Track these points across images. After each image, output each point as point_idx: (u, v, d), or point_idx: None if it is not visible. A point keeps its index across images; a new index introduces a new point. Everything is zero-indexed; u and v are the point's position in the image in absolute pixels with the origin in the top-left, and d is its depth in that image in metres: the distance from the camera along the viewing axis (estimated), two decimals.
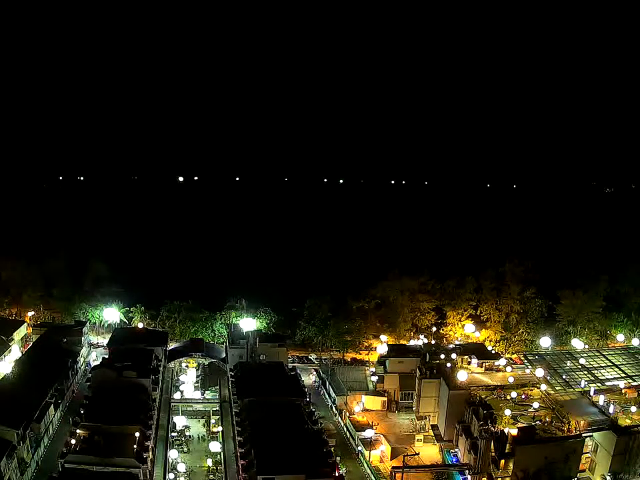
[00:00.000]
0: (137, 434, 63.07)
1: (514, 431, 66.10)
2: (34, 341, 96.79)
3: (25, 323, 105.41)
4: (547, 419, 70.77)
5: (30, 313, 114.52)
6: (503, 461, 63.58)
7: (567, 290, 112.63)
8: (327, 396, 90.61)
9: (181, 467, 68.18)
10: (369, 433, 74.69)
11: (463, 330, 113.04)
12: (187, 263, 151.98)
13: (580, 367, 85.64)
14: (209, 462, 70.35)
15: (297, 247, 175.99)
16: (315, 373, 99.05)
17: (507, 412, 71.58)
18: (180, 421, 79.72)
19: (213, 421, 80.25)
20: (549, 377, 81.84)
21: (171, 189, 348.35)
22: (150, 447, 64.86)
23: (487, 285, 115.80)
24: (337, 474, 60.13)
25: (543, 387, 79.49)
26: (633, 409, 72.91)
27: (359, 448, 74.86)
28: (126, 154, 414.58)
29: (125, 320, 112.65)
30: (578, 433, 66.59)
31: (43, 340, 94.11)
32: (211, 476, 68.22)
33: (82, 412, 68.92)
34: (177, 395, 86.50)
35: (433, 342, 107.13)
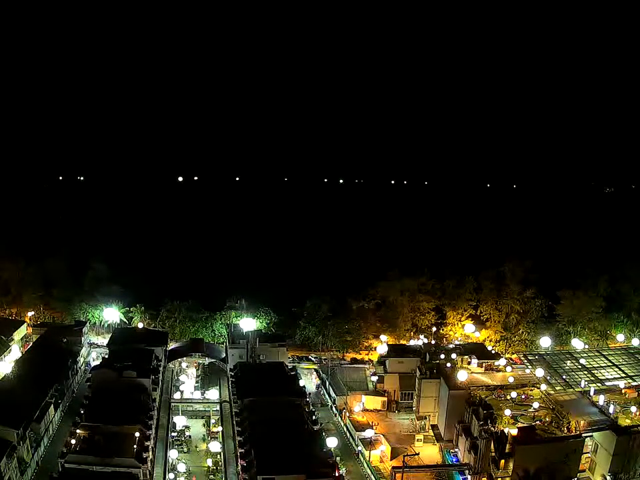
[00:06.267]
0: (137, 434, 63.18)
1: (514, 431, 66.08)
2: (34, 341, 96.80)
3: (25, 323, 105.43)
4: (547, 419, 70.80)
5: (30, 313, 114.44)
6: (502, 461, 63.54)
7: (567, 290, 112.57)
8: (326, 396, 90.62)
9: (181, 467, 68.25)
10: (368, 433, 74.72)
11: (463, 330, 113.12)
12: (186, 263, 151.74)
13: (580, 366, 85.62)
14: (209, 462, 70.37)
15: (296, 247, 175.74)
16: (315, 372, 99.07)
17: (507, 412, 71.62)
18: (180, 421, 79.65)
19: (213, 420, 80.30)
20: (548, 377, 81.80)
21: (171, 188, 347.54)
22: (150, 447, 64.92)
23: (487, 285, 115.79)
24: (336, 474, 60.17)
25: (543, 386, 79.49)
26: (633, 408, 72.97)
27: (359, 448, 74.90)
28: (126, 154, 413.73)
29: (124, 320, 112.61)
30: (578, 433, 66.59)
31: (43, 340, 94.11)
32: (211, 476, 68.27)
33: (82, 412, 69.00)
34: (176, 395, 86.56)
35: (433, 342, 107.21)
